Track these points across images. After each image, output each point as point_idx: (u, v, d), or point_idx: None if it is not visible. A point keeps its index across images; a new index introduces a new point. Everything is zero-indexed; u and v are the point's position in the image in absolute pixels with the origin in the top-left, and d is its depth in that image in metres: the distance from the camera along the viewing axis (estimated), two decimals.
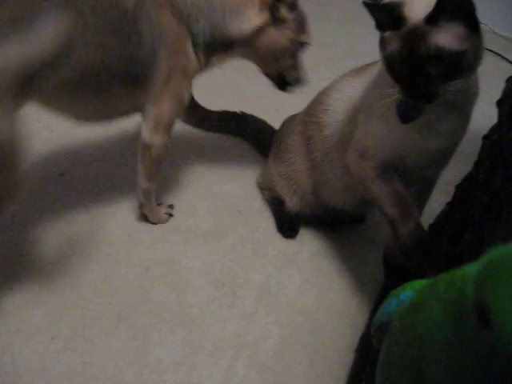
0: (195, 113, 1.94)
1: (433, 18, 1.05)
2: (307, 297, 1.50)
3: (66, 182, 1.68)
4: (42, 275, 1.42)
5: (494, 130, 1.22)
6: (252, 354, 1.35)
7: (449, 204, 1.42)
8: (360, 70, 1.45)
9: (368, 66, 1.44)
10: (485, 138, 1.25)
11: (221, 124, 1.96)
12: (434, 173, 1.37)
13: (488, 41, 2.72)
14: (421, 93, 1.09)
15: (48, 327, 1.32)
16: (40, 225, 1.53)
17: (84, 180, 1.70)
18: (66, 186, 1.67)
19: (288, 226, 1.66)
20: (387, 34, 1.12)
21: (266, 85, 2.27)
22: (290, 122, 1.70)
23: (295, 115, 1.70)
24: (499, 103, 1.15)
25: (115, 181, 1.72)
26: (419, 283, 0.75)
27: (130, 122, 1.60)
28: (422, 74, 1.07)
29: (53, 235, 1.52)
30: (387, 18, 1.10)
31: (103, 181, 1.71)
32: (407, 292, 0.76)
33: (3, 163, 1.11)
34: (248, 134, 1.95)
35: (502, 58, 2.94)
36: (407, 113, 1.16)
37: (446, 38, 1.04)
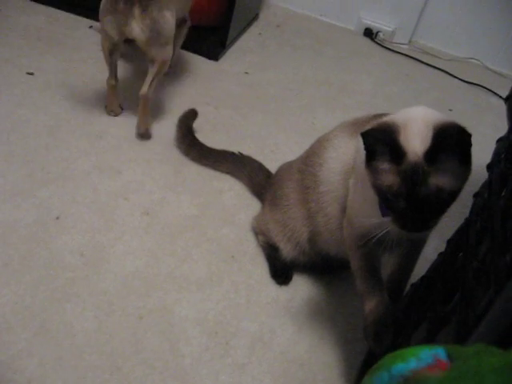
0: (194, 148, 1.97)
1: (431, 155, 1.07)
2: (300, 346, 1.51)
3: (60, 225, 1.68)
4: (36, 323, 1.42)
5: (485, 187, 1.23)
6: None
7: (441, 255, 1.43)
8: (357, 127, 1.42)
9: (366, 121, 1.43)
10: (476, 196, 1.27)
11: (217, 163, 1.99)
12: (421, 238, 1.38)
13: (479, 76, 2.78)
14: (417, 226, 1.11)
15: (41, 378, 1.31)
16: (33, 271, 1.54)
17: (79, 223, 1.70)
18: (60, 230, 1.67)
19: (282, 272, 1.67)
20: (383, 165, 1.12)
21: (261, 124, 2.31)
22: (286, 168, 1.71)
23: (292, 162, 1.70)
24: (489, 167, 1.17)
25: (109, 224, 1.72)
26: (411, 353, 0.75)
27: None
28: (421, 210, 1.09)
29: (47, 281, 1.52)
30: (387, 151, 1.11)
31: (98, 225, 1.71)
32: (399, 364, 0.76)
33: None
34: (243, 175, 1.96)
35: (494, 93, 2.97)
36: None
37: (446, 178, 1.07)
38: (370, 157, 1.14)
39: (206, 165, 2.01)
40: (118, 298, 1.52)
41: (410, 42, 3.40)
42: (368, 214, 1.24)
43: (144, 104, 2.05)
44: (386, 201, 1.13)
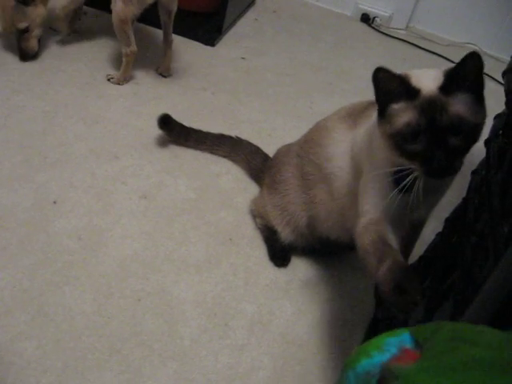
0: (190, 137, 1.96)
1: (446, 89, 1.06)
2: (299, 327, 1.51)
3: (58, 209, 1.68)
4: (34, 306, 1.42)
5: (483, 165, 1.23)
6: None
7: (439, 235, 1.43)
8: (354, 118, 1.42)
9: (362, 109, 1.41)
10: (474, 173, 1.27)
11: (215, 146, 1.99)
12: (423, 217, 1.36)
13: None
14: (441, 167, 1.06)
15: (40, 360, 1.32)
16: (31, 255, 1.53)
17: (76, 207, 1.70)
18: (58, 214, 1.67)
19: (280, 255, 1.67)
20: (397, 105, 1.10)
21: (258, 108, 2.31)
22: (285, 151, 1.70)
23: (290, 145, 1.69)
24: (487, 142, 1.16)
25: (107, 207, 1.72)
26: (375, 345, 0.71)
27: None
28: (443, 147, 1.05)
29: (45, 265, 1.52)
30: (400, 87, 1.09)
31: (96, 208, 1.71)
32: (363, 361, 0.71)
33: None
34: (241, 159, 1.96)
35: (491, 78, 2.96)
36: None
37: (464, 108, 1.05)
38: (383, 104, 1.13)
39: (203, 149, 2.01)
40: (116, 281, 1.52)
41: (407, 27, 3.39)
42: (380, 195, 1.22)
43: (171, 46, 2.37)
44: (406, 146, 1.09)
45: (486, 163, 1.13)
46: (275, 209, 1.65)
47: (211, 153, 2.01)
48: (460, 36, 3.31)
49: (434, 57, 3.12)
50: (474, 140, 1.08)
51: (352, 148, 1.38)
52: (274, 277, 1.62)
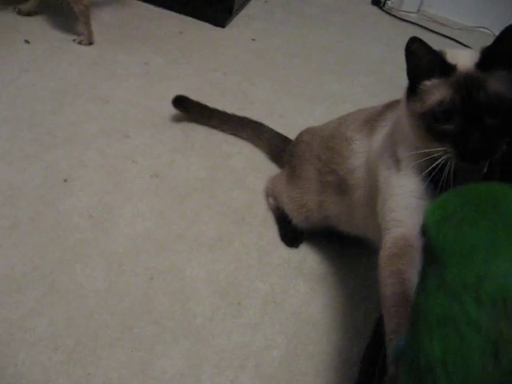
0: (213, 116, 1.94)
1: (484, 65, 0.99)
2: (313, 306, 1.49)
3: (68, 188, 1.66)
4: (45, 283, 1.41)
5: None
6: (257, 364, 1.33)
7: None
8: (372, 125, 1.34)
9: (379, 115, 1.34)
10: None
11: (239, 128, 1.98)
12: None
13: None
14: (477, 150, 0.97)
15: (51, 338, 1.30)
16: (42, 233, 1.52)
17: (87, 186, 1.68)
18: (68, 193, 1.65)
19: (292, 236, 1.64)
20: (430, 82, 1.03)
21: (269, 89, 2.28)
22: (308, 145, 1.60)
23: (312, 135, 1.61)
24: None
25: (118, 186, 1.70)
26: None
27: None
28: (479, 127, 0.97)
29: (56, 243, 1.50)
30: (434, 62, 1.02)
31: (107, 187, 1.69)
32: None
33: None
34: (263, 143, 1.94)
35: None
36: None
37: (504, 86, 0.97)
38: (414, 80, 1.06)
39: (225, 130, 1.99)
40: (128, 259, 1.50)
41: (418, 10, 3.36)
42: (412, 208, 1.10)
43: None
44: (438, 127, 1.01)
45: None
46: (292, 201, 1.61)
47: (233, 134, 1.99)
48: (472, 20, 3.27)
49: (446, 40, 3.08)
50: None
51: (368, 156, 1.31)
52: (287, 256, 1.60)
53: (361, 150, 1.35)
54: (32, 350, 1.28)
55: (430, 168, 1.05)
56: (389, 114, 1.28)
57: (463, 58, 1.02)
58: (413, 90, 1.07)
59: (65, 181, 1.68)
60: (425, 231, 0.71)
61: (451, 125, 1.00)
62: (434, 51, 1.03)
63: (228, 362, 1.33)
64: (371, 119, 1.36)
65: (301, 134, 1.70)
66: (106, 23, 2.48)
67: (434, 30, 3.15)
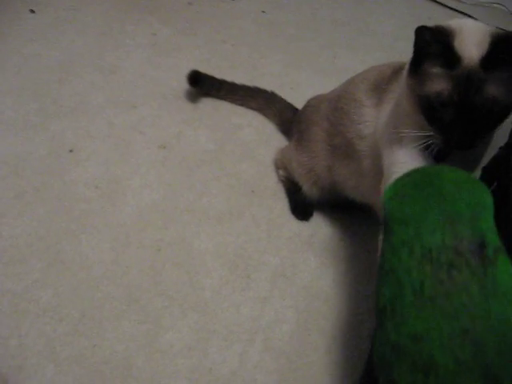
0: (222, 86, 1.91)
1: (489, 62, 0.98)
2: (323, 281, 1.45)
3: (74, 158, 1.63)
4: (50, 254, 1.38)
5: None
6: (267, 338, 1.30)
7: None
8: (381, 92, 1.32)
9: (388, 82, 1.31)
10: None
11: (248, 97, 1.93)
12: None
13: (504, 21, 2.66)
14: (463, 142, 1.01)
15: (56, 309, 1.27)
16: (47, 203, 1.48)
17: (93, 156, 1.64)
18: (74, 163, 1.61)
19: (302, 208, 1.60)
20: (433, 68, 1.02)
21: (280, 62, 2.23)
22: (315, 108, 1.58)
23: (320, 100, 1.59)
24: None
25: (125, 157, 1.66)
26: None
27: None
28: (470, 124, 0.99)
29: (61, 213, 1.47)
30: (440, 50, 1.01)
31: (114, 158, 1.65)
32: None
33: None
34: (273, 113, 1.89)
35: None
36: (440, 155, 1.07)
37: (503, 89, 0.98)
38: (418, 60, 1.05)
39: (235, 100, 1.95)
40: (134, 231, 1.47)
41: None
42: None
43: None
44: (431, 112, 1.03)
45: None
46: (301, 167, 1.57)
47: (243, 105, 1.94)
48: None
49: (461, 16, 3.01)
50: (504, 118, 1.02)
51: (376, 128, 1.30)
52: (298, 230, 1.56)
53: (370, 120, 1.33)
54: (36, 321, 1.25)
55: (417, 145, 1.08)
56: (395, 83, 1.25)
57: (471, 47, 1.00)
58: (416, 68, 1.06)
59: (70, 151, 1.64)
60: (382, 206, 0.95)
61: (444, 114, 1.01)
62: (441, 39, 1.01)
63: (236, 336, 1.30)
64: (380, 86, 1.33)
65: (308, 101, 1.67)
66: None
67: (448, 5, 3.08)
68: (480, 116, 0.99)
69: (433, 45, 1.01)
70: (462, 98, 0.98)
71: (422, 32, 1.01)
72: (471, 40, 1.00)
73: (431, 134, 1.05)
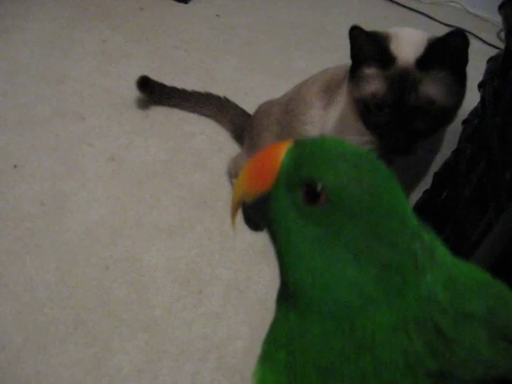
0: (173, 94, 1.86)
1: (424, 63, 0.96)
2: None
3: (18, 174, 1.56)
4: None
5: (475, 113, 1.14)
6: (220, 356, 1.26)
7: (426, 192, 1.34)
8: (331, 94, 1.30)
9: (339, 85, 1.28)
10: (465, 122, 1.17)
11: (200, 104, 1.88)
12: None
13: (460, 19, 2.66)
14: (399, 146, 0.99)
15: None
16: None
17: (39, 171, 1.58)
18: (18, 179, 1.55)
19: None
20: (369, 70, 1.01)
21: (234, 67, 2.19)
22: (266, 113, 1.55)
23: (271, 105, 1.55)
24: (481, 85, 1.06)
25: (72, 171, 1.60)
26: None
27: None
28: (405, 126, 0.97)
29: (4, 233, 1.41)
30: (375, 51, 0.99)
31: (60, 172, 1.59)
32: None
33: None
34: (227, 120, 1.85)
35: (477, 37, 2.86)
36: None
37: (438, 89, 0.96)
38: (357, 63, 1.03)
39: (187, 108, 1.89)
40: (81, 248, 1.41)
41: None
42: None
43: None
44: (368, 115, 1.01)
45: (480, 109, 1.03)
46: None
47: (195, 112, 1.89)
48: None
49: (417, 15, 3.00)
50: (444, 124, 1.01)
51: (322, 131, 1.28)
52: (252, 240, 1.52)
53: (317, 121, 1.32)
54: None
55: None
56: (344, 86, 1.22)
57: (406, 49, 0.98)
58: (354, 73, 1.04)
59: (15, 167, 1.58)
60: None
61: (379, 117, 1.00)
62: (376, 40, 0.99)
63: (188, 355, 1.25)
64: (330, 88, 1.31)
65: (259, 106, 1.63)
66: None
67: (404, 4, 3.07)
68: (416, 117, 0.97)
69: (367, 45, 0.99)
70: (397, 98, 0.96)
71: (355, 32, 0.99)
72: (407, 43, 0.99)
73: (370, 138, 1.03)
